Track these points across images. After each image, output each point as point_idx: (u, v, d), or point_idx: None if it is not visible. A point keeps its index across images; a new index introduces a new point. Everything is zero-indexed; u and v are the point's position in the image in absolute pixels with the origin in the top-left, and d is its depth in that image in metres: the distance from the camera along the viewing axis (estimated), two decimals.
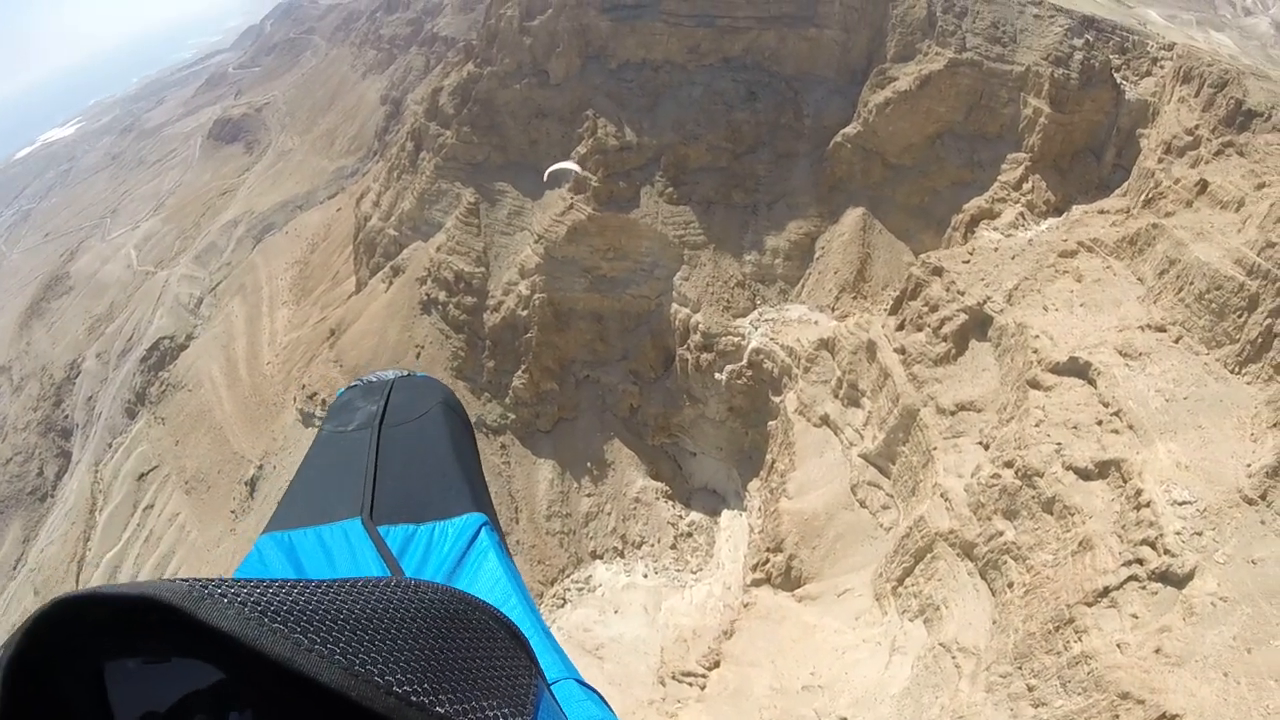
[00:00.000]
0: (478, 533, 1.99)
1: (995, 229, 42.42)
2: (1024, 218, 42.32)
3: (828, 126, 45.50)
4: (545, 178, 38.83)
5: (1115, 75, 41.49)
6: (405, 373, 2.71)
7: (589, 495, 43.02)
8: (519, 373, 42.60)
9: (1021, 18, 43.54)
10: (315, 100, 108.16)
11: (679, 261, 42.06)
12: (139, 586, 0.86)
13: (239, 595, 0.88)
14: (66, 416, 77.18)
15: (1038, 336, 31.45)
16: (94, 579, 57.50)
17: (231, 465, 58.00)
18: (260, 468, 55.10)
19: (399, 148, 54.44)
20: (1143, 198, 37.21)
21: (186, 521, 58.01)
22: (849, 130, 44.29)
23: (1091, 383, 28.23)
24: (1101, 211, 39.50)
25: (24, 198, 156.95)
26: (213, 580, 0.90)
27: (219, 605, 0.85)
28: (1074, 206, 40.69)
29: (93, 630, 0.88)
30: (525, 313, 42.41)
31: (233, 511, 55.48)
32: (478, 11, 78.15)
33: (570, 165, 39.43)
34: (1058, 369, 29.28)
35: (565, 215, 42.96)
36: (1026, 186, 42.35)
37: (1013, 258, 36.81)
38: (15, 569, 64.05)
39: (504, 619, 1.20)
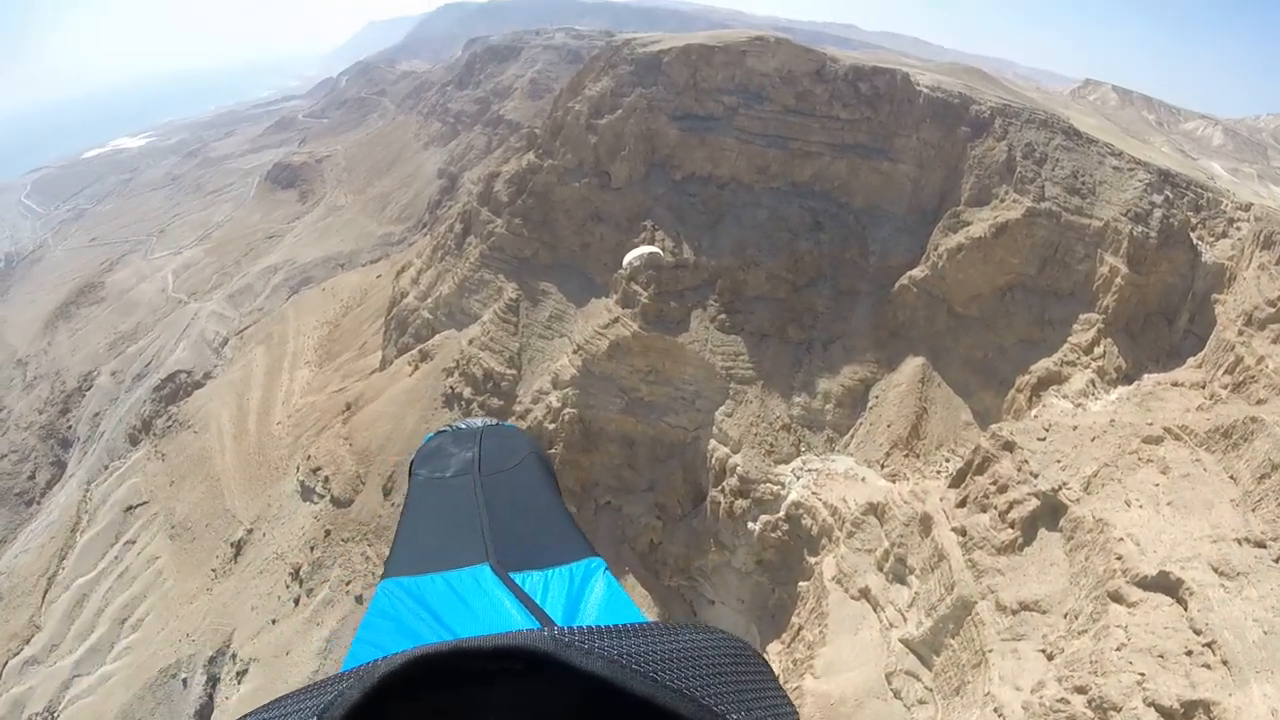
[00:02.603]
0: (601, 575, 1.93)
1: (1064, 396, 39.65)
2: (1094, 385, 39.61)
3: (893, 266, 43.42)
4: (624, 264, 36.04)
5: (1191, 235, 39.43)
6: (493, 421, 2.77)
7: None
8: None
9: (1101, 169, 41.95)
10: (375, 161, 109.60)
11: (724, 395, 39.15)
12: (508, 638, 1.00)
13: (593, 643, 1.01)
14: (70, 427, 75.98)
15: (1121, 540, 27.88)
16: (61, 600, 55.17)
17: (221, 521, 55.36)
18: (250, 531, 52.25)
19: (447, 227, 53.04)
20: (1222, 371, 34.61)
21: (164, 568, 55.40)
22: (916, 273, 42.13)
23: (1182, 603, 24.53)
24: (1175, 384, 36.82)
25: (82, 197, 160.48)
26: (567, 630, 1.04)
27: (585, 652, 0.99)
28: (1145, 375, 38.07)
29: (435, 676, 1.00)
30: (553, 426, 39.45)
31: (213, 570, 52.49)
32: (545, 100, 78.75)
33: (651, 249, 36.98)
34: (1145, 583, 25.58)
35: (609, 329, 40.42)
36: (1098, 350, 39.83)
37: (1092, 439, 33.52)
38: None
39: (764, 658, 1.28)
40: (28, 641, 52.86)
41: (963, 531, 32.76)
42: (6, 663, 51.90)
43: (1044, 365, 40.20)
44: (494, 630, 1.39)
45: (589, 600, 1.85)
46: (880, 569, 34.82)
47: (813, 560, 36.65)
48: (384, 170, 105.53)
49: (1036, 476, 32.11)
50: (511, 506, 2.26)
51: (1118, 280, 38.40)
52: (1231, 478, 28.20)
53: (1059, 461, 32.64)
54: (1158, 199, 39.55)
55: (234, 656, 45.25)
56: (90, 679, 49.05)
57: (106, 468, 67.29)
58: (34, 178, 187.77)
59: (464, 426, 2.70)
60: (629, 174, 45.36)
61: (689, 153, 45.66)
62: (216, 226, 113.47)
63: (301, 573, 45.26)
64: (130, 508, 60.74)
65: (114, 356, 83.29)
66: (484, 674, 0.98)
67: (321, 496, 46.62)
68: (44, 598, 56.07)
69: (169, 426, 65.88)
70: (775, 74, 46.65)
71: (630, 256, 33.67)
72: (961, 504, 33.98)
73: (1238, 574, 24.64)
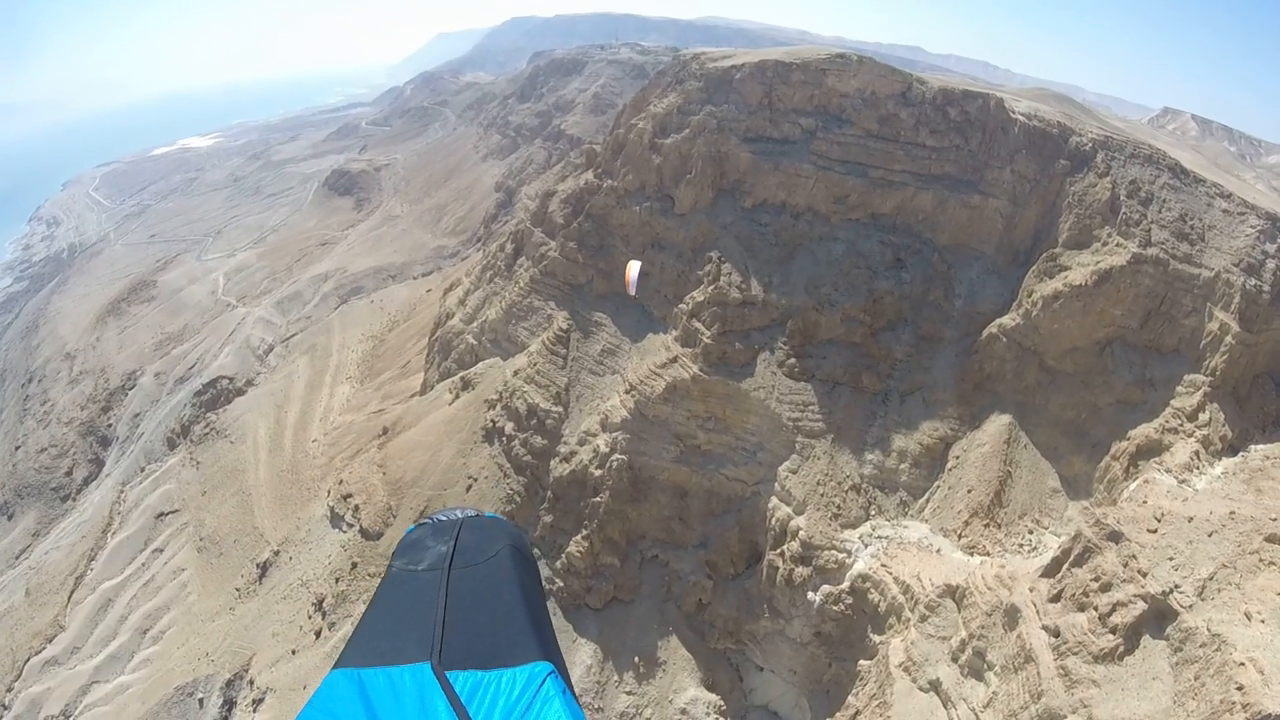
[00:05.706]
0: (543, 682, 1.98)
1: (1167, 470, 35.18)
2: (1198, 457, 35.32)
3: (980, 312, 39.51)
4: (632, 289, 32.87)
5: None
6: (475, 512, 2.78)
7: (629, 693, 35.77)
8: (579, 538, 36.15)
9: (1210, 212, 38.09)
10: (433, 172, 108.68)
11: (789, 449, 35.41)
12: None
13: None
14: (110, 425, 76.12)
15: (1242, 664, 23.51)
16: (86, 602, 55.12)
17: (249, 539, 54.01)
18: (276, 554, 50.58)
19: (498, 246, 50.36)
20: None
21: (189, 581, 54.63)
22: (1006, 321, 38.16)
23: None
24: None
25: (147, 193, 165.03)
26: None
27: None
28: (1251, 447, 33.98)
29: None
30: (599, 472, 36.21)
31: (237, 589, 51.09)
32: (608, 116, 76.44)
33: (638, 264, 33.93)
34: None
35: (666, 369, 37.04)
36: (1203, 417, 35.92)
37: (1209, 534, 29.08)
38: (17, 559, 62.27)
39: None
40: (50, 640, 52.56)
41: (1055, 632, 28.76)
42: (28, 660, 51.54)
43: (1144, 432, 36.25)
44: None
45: (519, 704, 1.86)
46: (955, 660, 31.00)
47: (877, 639, 32.76)
48: (441, 181, 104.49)
49: (1145, 575, 27.91)
50: (474, 601, 2.25)
51: (1228, 339, 34.91)
52: None
53: (1171, 559, 28.35)
54: (1270, 248, 35.87)
55: (251, 683, 43.55)
56: (108, 687, 48.14)
57: (142, 470, 66.87)
58: (103, 172, 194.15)
59: (444, 518, 2.72)
60: (694, 199, 41.98)
61: (761, 179, 42.14)
62: (271, 230, 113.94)
63: (325, 604, 42.97)
64: (161, 514, 60.04)
65: (159, 357, 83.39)
66: None
67: (351, 525, 44.19)
68: (70, 598, 55.64)
69: (206, 434, 65.03)
70: (857, 95, 43.03)
71: (633, 275, 30.86)
72: (1055, 598, 29.88)
73: None
